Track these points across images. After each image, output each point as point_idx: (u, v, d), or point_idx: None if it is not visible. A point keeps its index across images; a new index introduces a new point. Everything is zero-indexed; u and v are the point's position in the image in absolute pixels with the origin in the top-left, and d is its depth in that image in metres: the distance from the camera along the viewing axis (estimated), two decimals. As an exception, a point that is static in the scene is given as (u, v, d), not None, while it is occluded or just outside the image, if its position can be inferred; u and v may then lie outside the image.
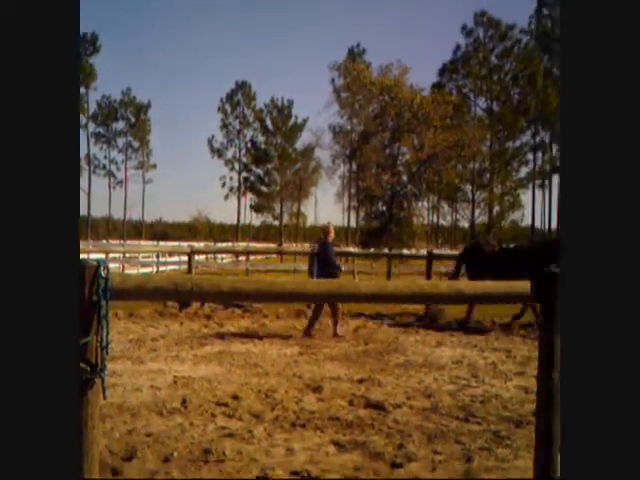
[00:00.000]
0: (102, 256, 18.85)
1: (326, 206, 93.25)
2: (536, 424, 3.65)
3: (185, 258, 19.01)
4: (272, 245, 44.19)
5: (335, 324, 10.27)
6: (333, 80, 48.32)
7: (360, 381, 7.04)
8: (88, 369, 3.24)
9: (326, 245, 10.73)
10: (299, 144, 65.30)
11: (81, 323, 3.28)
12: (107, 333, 3.31)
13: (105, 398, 3.37)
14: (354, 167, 48.82)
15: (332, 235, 10.97)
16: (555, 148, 55.92)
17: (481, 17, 52.11)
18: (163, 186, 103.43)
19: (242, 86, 69.80)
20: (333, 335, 10.15)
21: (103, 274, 3.26)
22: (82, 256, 12.03)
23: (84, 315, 3.27)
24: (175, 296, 3.59)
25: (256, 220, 74.34)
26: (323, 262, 10.63)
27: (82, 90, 63.47)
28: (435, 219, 59.18)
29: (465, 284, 3.76)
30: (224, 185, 69.38)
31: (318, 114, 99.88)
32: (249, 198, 70.48)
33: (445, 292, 3.79)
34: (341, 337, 10.07)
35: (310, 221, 75.99)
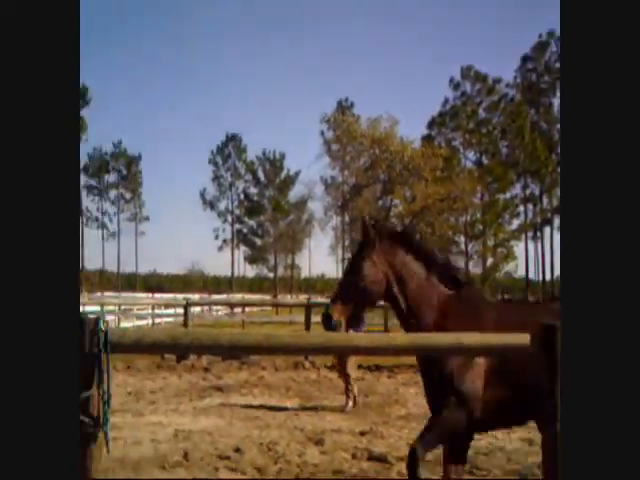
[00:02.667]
0: (97, 308, 18.76)
1: (320, 257, 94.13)
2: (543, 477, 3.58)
3: (180, 310, 18.89)
4: (267, 297, 43.98)
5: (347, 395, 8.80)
6: (323, 132, 48.98)
7: (362, 433, 6.96)
8: (91, 423, 3.20)
9: None
10: (291, 196, 65.68)
11: (82, 377, 3.25)
12: (108, 386, 3.28)
13: (108, 452, 3.31)
14: (347, 219, 49.11)
15: None
16: (545, 201, 56.40)
17: (468, 71, 53.08)
18: (156, 238, 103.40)
19: (232, 138, 70.49)
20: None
21: (102, 327, 3.26)
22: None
23: (85, 368, 3.24)
24: (173, 350, 3.57)
25: (250, 272, 74.30)
26: None
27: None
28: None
29: (465, 335, 3.63)
30: (217, 237, 69.54)
31: (308, 168, 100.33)
32: (243, 250, 70.57)
33: (444, 344, 3.64)
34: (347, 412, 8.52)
35: (304, 273, 75.95)
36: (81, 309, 18.59)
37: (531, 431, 7.01)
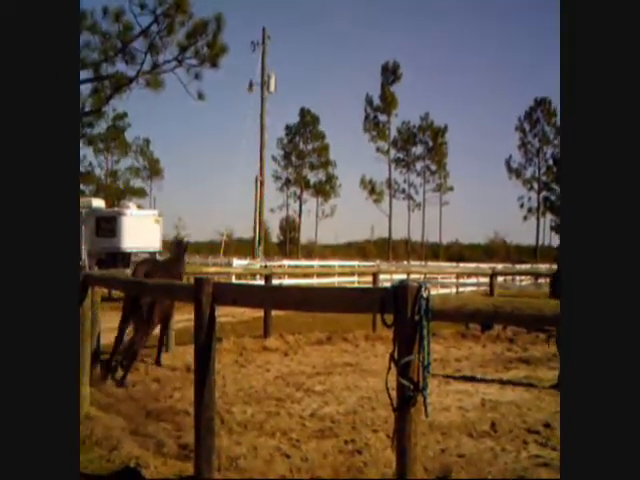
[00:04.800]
0: (404, 277, 19.53)
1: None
2: None
3: (483, 279, 18.89)
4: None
5: None
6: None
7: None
8: (411, 387, 3.38)
9: None
10: (605, 160, 61.24)
11: (403, 342, 3.45)
12: (428, 353, 3.43)
13: (427, 416, 3.47)
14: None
15: None
16: None
17: None
18: (459, 208, 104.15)
19: (541, 103, 67.68)
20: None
21: (424, 295, 3.39)
22: (386, 277, 12.79)
23: (406, 334, 3.43)
24: (492, 319, 3.59)
25: (556, 241, 71.14)
26: None
27: (384, 118, 66.99)
28: None
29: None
30: (522, 206, 67.79)
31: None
32: (549, 218, 67.83)
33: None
34: None
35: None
36: (388, 277, 19.56)
37: None
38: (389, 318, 3.53)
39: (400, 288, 3.46)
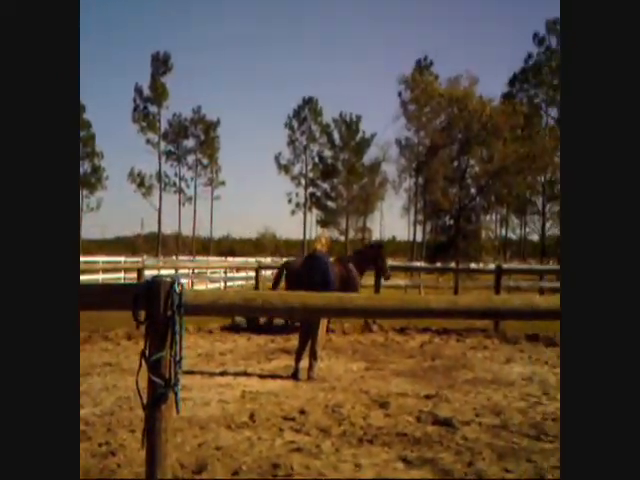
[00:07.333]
0: (173, 272, 19.22)
1: (392, 220, 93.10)
2: None
3: (252, 273, 19.25)
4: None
5: (311, 362, 8.14)
6: (400, 93, 48.51)
7: (427, 397, 6.97)
8: (162, 384, 3.34)
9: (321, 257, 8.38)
10: (366, 158, 65.60)
11: (156, 338, 3.40)
12: (181, 348, 3.41)
13: (178, 412, 3.46)
14: (421, 181, 48.64)
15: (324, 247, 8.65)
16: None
17: (553, 25, 50.90)
18: (231, 203, 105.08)
19: (309, 102, 70.47)
20: (307, 377, 7.99)
21: (177, 290, 3.37)
22: (153, 272, 12.42)
23: (159, 330, 3.38)
24: (246, 312, 3.66)
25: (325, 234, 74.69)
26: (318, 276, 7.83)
27: (154, 109, 65.40)
28: (504, 232, 58.61)
29: (539, 299, 3.69)
30: (290, 201, 70.20)
31: (384, 130, 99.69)
32: (315, 213, 71.02)
33: (519, 307, 3.75)
34: (313, 379, 7.95)
35: (375, 235, 75.90)
36: (156, 272, 19.15)
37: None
38: (142, 314, 3.46)
39: (153, 283, 3.41)
